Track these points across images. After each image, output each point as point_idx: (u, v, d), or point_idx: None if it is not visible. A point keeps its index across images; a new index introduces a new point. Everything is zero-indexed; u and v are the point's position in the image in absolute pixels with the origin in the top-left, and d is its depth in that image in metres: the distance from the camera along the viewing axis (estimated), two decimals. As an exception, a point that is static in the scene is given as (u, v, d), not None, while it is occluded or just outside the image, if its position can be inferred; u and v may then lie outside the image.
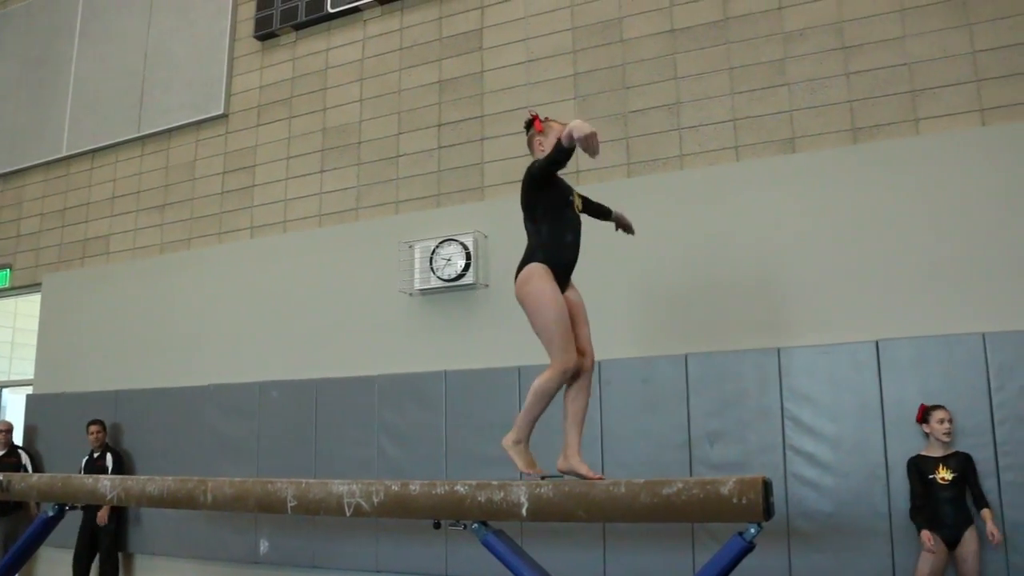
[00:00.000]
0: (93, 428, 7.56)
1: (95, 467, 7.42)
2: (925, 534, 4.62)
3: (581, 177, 6.36)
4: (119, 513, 7.47)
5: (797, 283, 5.50)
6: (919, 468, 4.78)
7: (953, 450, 4.76)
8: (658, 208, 5.98)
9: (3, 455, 7.84)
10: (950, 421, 4.76)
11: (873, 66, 5.61)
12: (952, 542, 4.63)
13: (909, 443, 4.89)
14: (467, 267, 6.41)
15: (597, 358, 5.76)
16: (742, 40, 6.05)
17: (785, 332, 5.45)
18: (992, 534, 4.50)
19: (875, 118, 5.55)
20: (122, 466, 7.52)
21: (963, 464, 4.70)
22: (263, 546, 6.89)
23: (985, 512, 4.60)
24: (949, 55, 5.42)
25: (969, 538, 4.58)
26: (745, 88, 5.98)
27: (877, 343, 5.15)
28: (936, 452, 4.77)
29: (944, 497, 4.66)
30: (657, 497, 3.25)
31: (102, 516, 7.35)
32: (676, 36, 6.28)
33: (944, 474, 4.69)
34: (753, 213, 5.71)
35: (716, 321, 5.68)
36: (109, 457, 7.54)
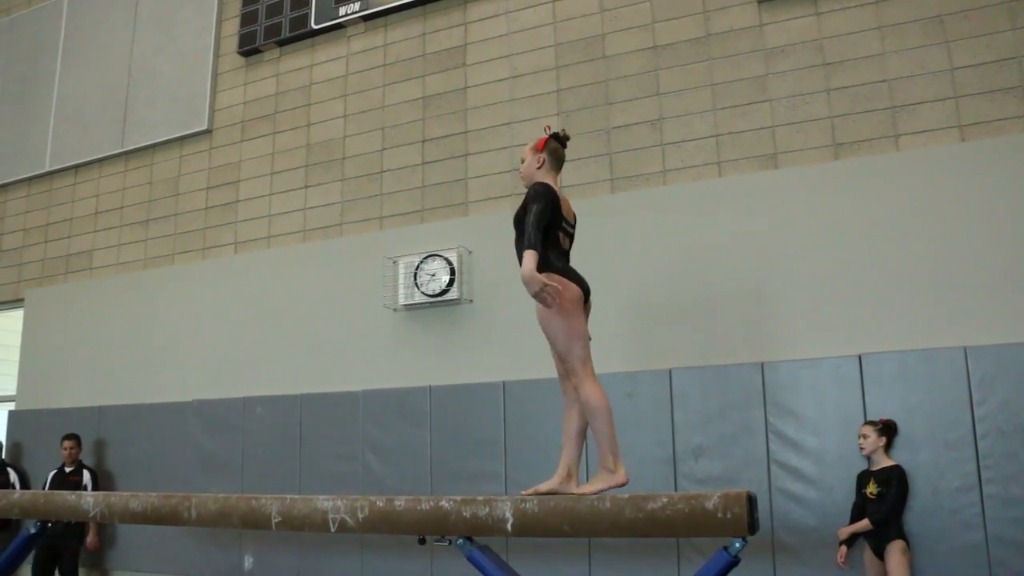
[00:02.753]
0: (68, 443, 7.42)
1: (67, 483, 7.23)
2: (840, 551, 4.82)
3: (565, 193, 6.38)
4: (79, 529, 7.25)
5: (780, 298, 5.53)
6: (858, 481, 4.94)
7: (890, 464, 4.83)
8: (642, 223, 6.02)
9: (-10, 473, 7.75)
10: (863, 436, 4.88)
11: (853, 83, 5.68)
12: (879, 553, 4.72)
13: (892, 457, 4.92)
14: (451, 282, 6.41)
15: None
16: (724, 56, 6.11)
17: (769, 347, 5.48)
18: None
19: (856, 134, 5.61)
20: (98, 484, 7.40)
21: (890, 478, 4.76)
22: (248, 562, 6.84)
23: (860, 524, 4.74)
24: (928, 72, 5.49)
25: (890, 551, 4.65)
26: (727, 104, 6.03)
27: (860, 357, 5.19)
28: (872, 466, 4.89)
29: (870, 510, 4.76)
30: (642, 512, 3.27)
31: (92, 542, 7.28)
32: (658, 53, 6.33)
33: (871, 488, 4.80)
34: (736, 228, 5.75)
35: (700, 336, 5.71)
36: (87, 474, 7.42)
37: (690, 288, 5.82)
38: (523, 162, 3.95)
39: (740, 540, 3.17)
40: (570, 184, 6.36)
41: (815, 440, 5.22)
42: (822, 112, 5.74)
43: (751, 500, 3.14)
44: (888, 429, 4.88)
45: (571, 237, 3.89)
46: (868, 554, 4.80)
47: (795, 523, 5.15)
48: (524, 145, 6.55)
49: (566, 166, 6.52)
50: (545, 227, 3.65)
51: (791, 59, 5.90)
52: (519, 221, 3.72)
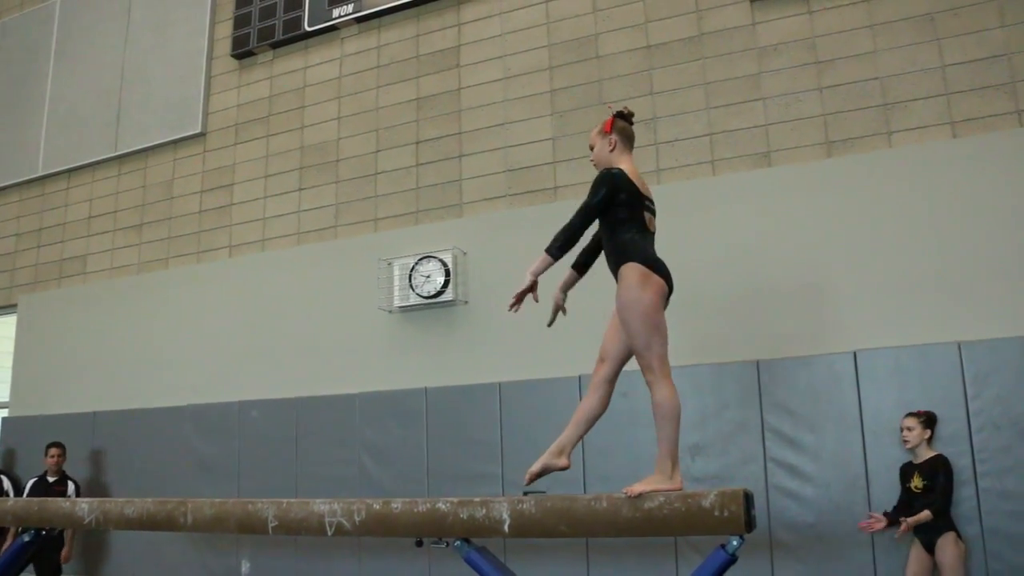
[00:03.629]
0: (54, 451, 7.26)
1: (51, 493, 7.01)
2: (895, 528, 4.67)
3: (559, 193, 6.41)
4: (59, 541, 6.99)
5: (775, 295, 5.54)
6: (901, 475, 4.85)
7: (932, 455, 4.77)
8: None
9: (-15, 481, 7.68)
10: (908, 429, 4.80)
11: (846, 80, 5.70)
12: (930, 547, 4.65)
13: (888, 453, 4.94)
14: (446, 284, 6.41)
15: (575, 373, 5.81)
16: (717, 55, 6.12)
17: (764, 344, 5.48)
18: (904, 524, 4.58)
19: (848, 131, 5.63)
20: (80, 496, 7.19)
21: (933, 469, 4.71)
22: (245, 567, 6.82)
23: (922, 515, 4.59)
24: (919, 69, 5.51)
25: (943, 544, 4.58)
26: (721, 103, 6.05)
27: (855, 354, 5.20)
28: (916, 459, 4.81)
29: (919, 505, 4.68)
30: (639, 511, 3.29)
31: (66, 555, 7.11)
32: (652, 52, 6.34)
33: (917, 482, 4.73)
34: (730, 227, 5.76)
35: (694, 334, 5.68)
36: (71, 484, 7.27)
37: (684, 286, 5.72)
38: (592, 149, 3.84)
39: (737, 538, 3.19)
40: (565, 184, 6.39)
41: (812, 437, 5.23)
42: (815, 110, 5.75)
43: (748, 498, 3.16)
44: (931, 421, 4.81)
45: (654, 215, 3.77)
46: (916, 548, 4.69)
47: (792, 520, 5.15)
48: (518, 146, 6.67)
49: (559, 167, 6.60)
50: (629, 209, 3.59)
51: (784, 57, 5.92)
52: (597, 214, 3.63)
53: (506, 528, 3.51)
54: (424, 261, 6.51)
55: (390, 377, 6.54)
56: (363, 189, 7.20)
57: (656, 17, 6.38)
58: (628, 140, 3.82)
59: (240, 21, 8.13)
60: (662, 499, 3.25)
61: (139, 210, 8.46)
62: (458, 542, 3.66)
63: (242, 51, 8.08)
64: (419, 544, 3.85)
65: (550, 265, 3.61)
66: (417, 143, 7.07)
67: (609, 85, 6.45)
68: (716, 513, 3.15)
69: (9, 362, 9.00)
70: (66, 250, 8.89)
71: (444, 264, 6.43)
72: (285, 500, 4.09)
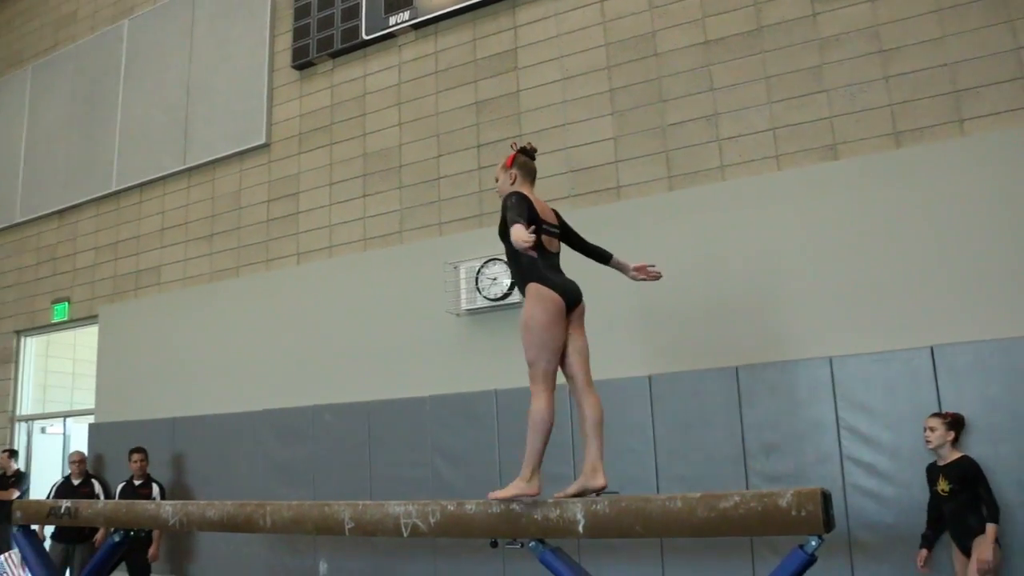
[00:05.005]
0: (136, 456, 7.57)
1: (137, 496, 7.30)
2: (919, 554, 4.65)
3: (622, 192, 6.39)
4: (146, 541, 7.20)
5: (848, 290, 5.44)
6: (928, 477, 4.75)
7: (957, 456, 4.62)
8: (702, 220, 6.00)
9: (79, 484, 8.01)
10: (930, 429, 4.67)
11: (913, 68, 5.57)
12: (967, 552, 4.50)
13: (969, 451, 4.81)
14: (513, 286, 6.45)
15: (644, 373, 5.82)
16: (777, 48, 6.04)
17: (836, 341, 5.39)
18: (979, 560, 4.33)
19: (917, 121, 5.50)
20: (165, 498, 7.47)
21: (963, 472, 4.54)
22: (323, 568, 6.98)
23: (989, 528, 4.39)
24: (991, 53, 5.36)
25: (983, 541, 4.41)
26: (783, 96, 5.96)
27: (932, 349, 5.08)
28: (940, 461, 4.68)
29: (948, 509, 4.57)
30: (714, 511, 3.26)
31: (153, 554, 7.38)
32: (710, 47, 6.28)
33: (943, 485, 4.59)
34: (798, 221, 5.69)
35: (765, 332, 5.66)
36: (155, 487, 7.57)
37: (754, 284, 5.77)
38: (497, 181, 4.12)
39: (816, 538, 3.14)
40: (628, 183, 6.37)
41: (889, 435, 5.13)
42: (881, 100, 5.64)
43: (826, 497, 3.11)
44: (956, 423, 4.68)
45: (557, 237, 4.01)
46: (956, 555, 4.59)
47: (871, 520, 5.07)
48: (579, 146, 6.67)
49: (621, 166, 6.58)
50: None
51: (846, 48, 5.81)
52: (503, 234, 3.86)
53: (581, 528, 3.51)
54: (490, 264, 6.56)
55: (459, 380, 6.61)
56: (427, 193, 7.29)
57: (713, 12, 6.32)
58: (529, 173, 4.07)
59: (299, 33, 8.28)
60: (737, 499, 3.22)
61: (209, 221, 8.69)
62: (533, 543, 3.67)
63: (302, 62, 8.23)
64: (494, 545, 3.88)
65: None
66: (478, 146, 7.12)
67: (668, 82, 6.41)
68: (793, 513, 3.10)
69: (93, 371, 9.34)
70: (141, 262, 9.18)
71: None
72: (361, 502, 4.15)
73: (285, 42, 8.46)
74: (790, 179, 5.82)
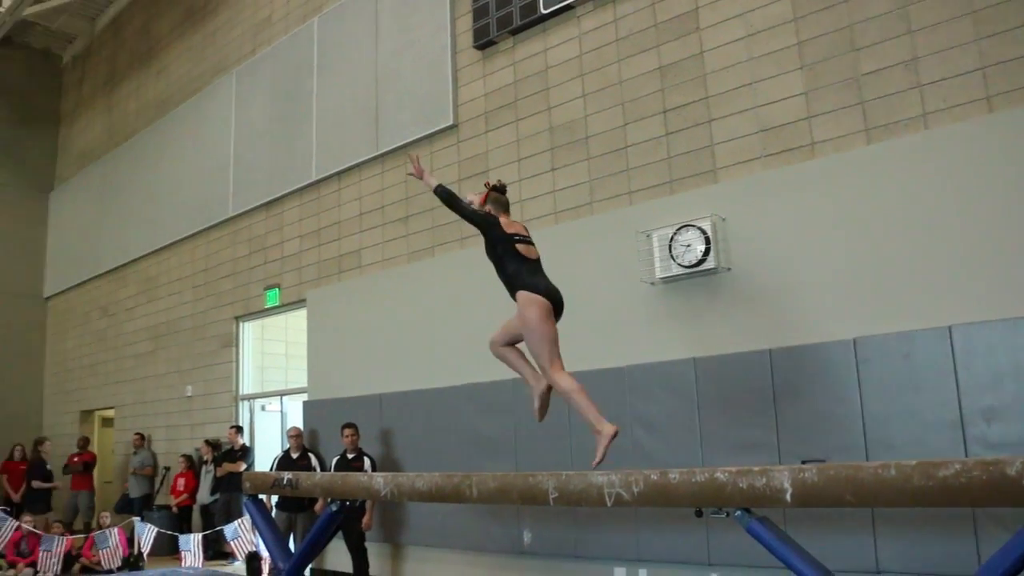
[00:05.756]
0: (348, 431, 8.12)
1: (350, 469, 7.85)
2: None
3: (817, 149, 6.07)
4: (360, 512, 7.51)
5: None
6: None
7: None
8: (904, 173, 5.59)
9: (297, 457, 8.66)
10: None
11: None
12: None
13: None
14: (707, 252, 6.29)
15: (848, 336, 5.53)
16: (988, -23, 5.49)
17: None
18: None
19: None
20: (376, 470, 7.95)
21: None
22: (527, 537, 7.14)
23: None
24: None
25: None
26: (993, 31, 5.39)
27: None
28: None
29: None
30: (932, 480, 3.01)
31: (367, 523, 7.87)
32: (911, -15, 5.82)
33: None
34: (1014, 168, 5.16)
35: (982, 287, 5.16)
36: (367, 460, 8.06)
37: (966, 236, 5.29)
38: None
39: (1053, 512, 2.86)
40: (822, 139, 6.04)
41: None
42: None
43: (1062, 465, 2.82)
44: None
45: (530, 243, 4.78)
46: None
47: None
48: (769, 104, 6.39)
49: (815, 121, 6.24)
50: (501, 246, 4.68)
51: (1076, -32, 5.21)
52: (488, 254, 4.77)
53: (788, 498, 3.37)
54: (683, 230, 6.43)
55: (658, 349, 6.54)
56: (615, 163, 7.23)
57: (913, -56, 5.84)
58: (501, 205, 4.89)
59: (479, 13, 8.41)
60: (958, 467, 2.96)
61: (404, 204, 9.03)
62: (739, 512, 3.56)
63: (484, 41, 8.36)
64: (699, 514, 3.80)
65: (429, 188, 5.06)
66: (664, 112, 6.98)
67: (861, 28, 5.98)
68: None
69: (304, 351, 10.00)
70: (343, 246, 9.69)
71: (703, 232, 6.32)
72: (564, 472, 4.19)
73: (466, 23, 8.62)
74: (1004, 122, 5.27)
